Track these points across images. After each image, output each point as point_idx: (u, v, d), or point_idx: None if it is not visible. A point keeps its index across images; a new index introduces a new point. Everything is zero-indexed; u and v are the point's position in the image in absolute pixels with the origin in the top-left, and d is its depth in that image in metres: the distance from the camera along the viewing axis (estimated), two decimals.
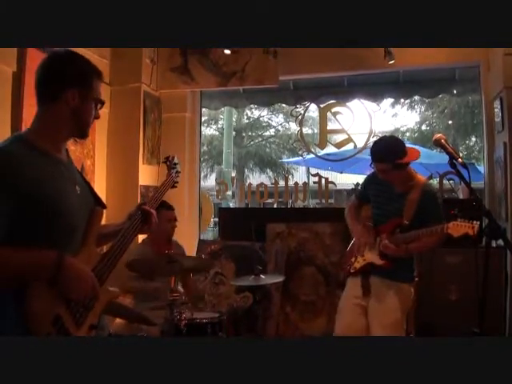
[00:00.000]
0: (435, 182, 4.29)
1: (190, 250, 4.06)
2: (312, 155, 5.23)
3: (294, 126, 13.27)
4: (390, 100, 11.13)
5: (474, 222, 2.34)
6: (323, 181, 4.59)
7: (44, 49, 2.74)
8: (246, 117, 16.99)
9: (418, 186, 2.66)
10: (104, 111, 4.05)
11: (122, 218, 1.74)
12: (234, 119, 14.99)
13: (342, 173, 8.49)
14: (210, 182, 12.89)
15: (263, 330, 3.84)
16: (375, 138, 4.38)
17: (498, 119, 3.84)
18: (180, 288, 3.23)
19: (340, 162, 5.60)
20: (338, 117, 4.74)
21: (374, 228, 2.80)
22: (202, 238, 4.85)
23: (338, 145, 4.97)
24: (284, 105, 6.85)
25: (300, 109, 4.92)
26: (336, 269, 3.88)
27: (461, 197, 4.56)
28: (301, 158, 5.17)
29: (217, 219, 5.30)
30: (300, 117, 4.90)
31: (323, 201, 4.64)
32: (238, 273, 3.95)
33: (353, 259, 2.85)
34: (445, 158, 2.10)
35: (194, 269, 3.27)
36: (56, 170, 1.45)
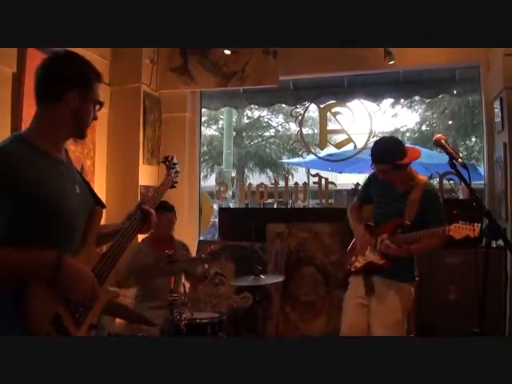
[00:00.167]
0: (435, 182, 4.28)
1: (190, 250, 4.05)
2: (312, 155, 5.24)
3: (293, 127, 13.24)
4: (390, 100, 11.12)
5: (476, 225, 2.34)
6: (323, 181, 4.59)
7: (44, 49, 2.74)
8: (246, 117, 16.95)
9: (420, 186, 2.67)
10: (104, 111, 4.05)
11: (121, 218, 1.74)
12: (234, 119, 14.97)
13: (341, 173, 8.50)
14: (210, 182, 12.89)
15: (263, 330, 3.84)
16: (375, 139, 4.39)
17: (497, 119, 3.84)
18: (181, 288, 3.22)
19: (340, 163, 5.59)
20: (337, 117, 4.74)
21: (376, 227, 2.80)
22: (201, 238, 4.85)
23: (338, 145, 4.97)
24: (284, 105, 6.84)
25: (300, 109, 4.91)
26: (336, 269, 3.88)
27: (461, 197, 4.56)
28: (301, 158, 5.17)
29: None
30: (300, 117, 4.90)
31: (323, 201, 4.63)
32: (237, 273, 3.94)
33: (353, 258, 2.86)
34: (445, 158, 2.10)
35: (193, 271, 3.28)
36: (56, 170, 1.45)
